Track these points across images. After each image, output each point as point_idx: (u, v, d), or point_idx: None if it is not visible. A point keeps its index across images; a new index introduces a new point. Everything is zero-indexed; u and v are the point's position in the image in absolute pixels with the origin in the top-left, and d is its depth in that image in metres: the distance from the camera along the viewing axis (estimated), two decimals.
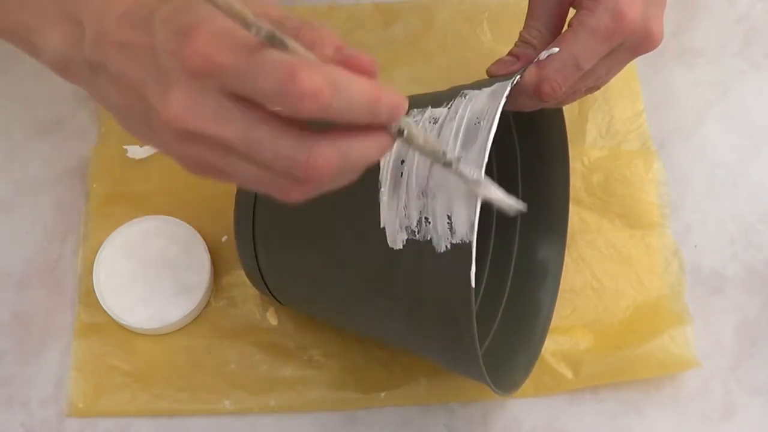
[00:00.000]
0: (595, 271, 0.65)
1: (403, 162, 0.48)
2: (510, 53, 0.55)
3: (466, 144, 0.46)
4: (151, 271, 0.63)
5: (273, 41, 0.37)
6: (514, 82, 0.49)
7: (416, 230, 0.47)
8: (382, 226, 0.48)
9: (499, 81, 0.50)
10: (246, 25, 0.36)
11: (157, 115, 0.39)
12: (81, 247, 0.64)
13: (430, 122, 0.49)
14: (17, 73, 0.69)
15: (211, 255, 0.63)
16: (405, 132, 0.40)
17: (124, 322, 0.61)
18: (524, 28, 0.55)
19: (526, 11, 0.56)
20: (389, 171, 0.48)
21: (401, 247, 0.48)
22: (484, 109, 0.47)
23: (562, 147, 0.62)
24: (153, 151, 0.66)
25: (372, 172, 0.48)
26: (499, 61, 0.55)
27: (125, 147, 0.66)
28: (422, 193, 0.47)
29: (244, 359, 0.62)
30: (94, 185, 0.66)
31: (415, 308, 0.49)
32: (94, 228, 0.64)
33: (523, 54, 0.54)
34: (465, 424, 0.61)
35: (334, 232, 0.51)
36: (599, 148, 0.68)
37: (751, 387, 0.62)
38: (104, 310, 0.61)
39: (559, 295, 0.63)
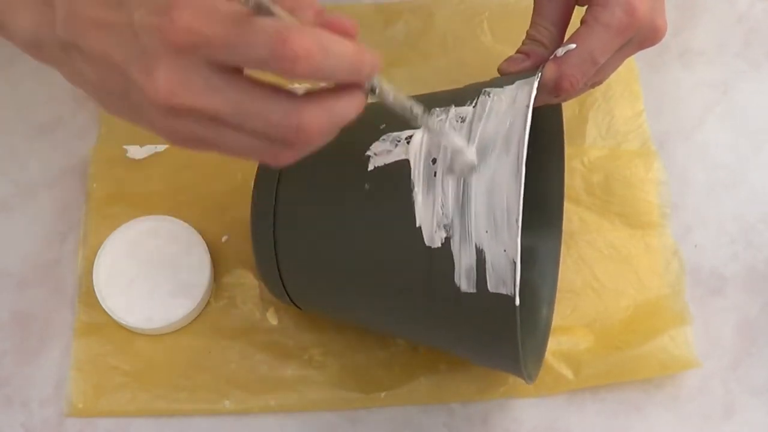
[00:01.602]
0: (595, 271, 0.65)
1: (434, 161, 0.48)
2: (519, 51, 0.56)
3: (505, 143, 0.47)
4: (151, 271, 0.62)
5: (260, 9, 0.37)
6: (538, 78, 0.50)
7: None
8: (418, 225, 0.48)
9: (520, 79, 0.51)
10: None
11: (141, 93, 0.39)
12: (81, 247, 0.64)
13: (457, 120, 0.49)
14: (17, 73, 0.69)
15: (211, 255, 0.63)
16: (377, 89, 0.41)
17: (124, 322, 0.61)
18: (531, 26, 0.56)
19: (525, 11, 0.56)
20: (421, 171, 0.49)
21: (439, 245, 0.48)
22: (514, 108, 0.48)
23: (558, 137, 0.62)
24: (153, 151, 0.66)
25: (403, 172, 0.49)
26: (510, 59, 0.56)
27: (125, 147, 0.66)
28: None
29: (244, 359, 0.62)
30: (94, 185, 0.66)
31: (454, 304, 0.49)
32: (94, 228, 0.64)
33: (532, 51, 0.55)
34: (465, 424, 0.61)
35: (368, 234, 0.51)
36: (599, 148, 0.68)
37: (751, 387, 0.62)
38: (104, 310, 0.61)
39: (558, 295, 0.63)
